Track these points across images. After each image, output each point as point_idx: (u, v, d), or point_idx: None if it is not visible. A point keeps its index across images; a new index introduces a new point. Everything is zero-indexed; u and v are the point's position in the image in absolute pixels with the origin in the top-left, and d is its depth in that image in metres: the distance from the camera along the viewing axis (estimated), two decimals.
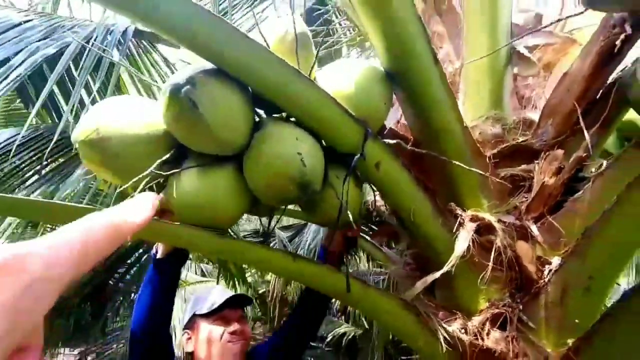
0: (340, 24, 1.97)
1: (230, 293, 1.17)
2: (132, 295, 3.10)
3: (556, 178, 0.94)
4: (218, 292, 1.17)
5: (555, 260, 0.88)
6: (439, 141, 0.90)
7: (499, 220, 0.93)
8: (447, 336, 0.88)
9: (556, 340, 0.84)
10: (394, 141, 0.89)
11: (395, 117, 1.10)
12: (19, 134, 2.31)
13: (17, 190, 2.19)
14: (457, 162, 0.89)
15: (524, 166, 1.00)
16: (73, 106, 2.04)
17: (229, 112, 0.70)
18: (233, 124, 0.71)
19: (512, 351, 0.84)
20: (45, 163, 2.18)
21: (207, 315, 1.11)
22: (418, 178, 0.90)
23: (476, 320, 0.92)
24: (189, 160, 0.77)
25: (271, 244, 4.25)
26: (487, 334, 0.90)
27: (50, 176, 2.09)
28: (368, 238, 1.58)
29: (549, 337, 0.85)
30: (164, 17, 0.66)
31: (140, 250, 2.48)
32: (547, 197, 0.95)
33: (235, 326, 1.11)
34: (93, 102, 2.13)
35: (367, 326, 4.30)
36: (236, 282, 2.98)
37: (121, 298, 2.93)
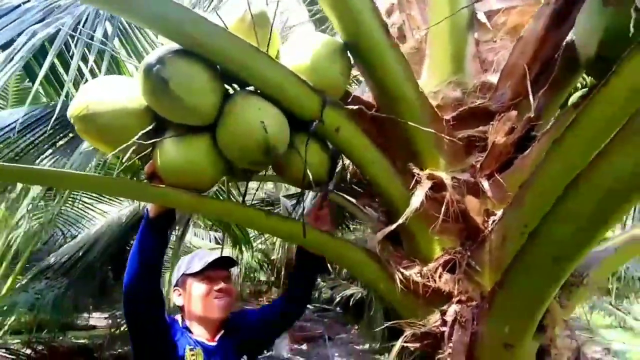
0: None
1: (216, 255, 1.31)
2: None
3: (507, 138, 1.02)
4: (205, 254, 1.31)
5: (499, 212, 0.98)
6: (396, 108, 0.98)
7: (454, 178, 1.03)
8: (403, 279, 1.02)
9: (496, 279, 0.96)
10: (356, 107, 0.98)
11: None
12: (32, 111, 2.48)
13: (33, 164, 2.38)
14: (414, 125, 0.98)
15: (480, 128, 1.08)
16: (74, 83, 2.16)
17: (197, 86, 0.80)
18: (201, 96, 0.81)
19: (457, 290, 0.97)
20: (57, 138, 2.35)
21: (195, 275, 1.25)
22: (377, 142, 1.00)
23: (431, 265, 1.05)
24: (169, 131, 0.89)
25: (276, 210, 4.45)
26: (440, 277, 1.03)
27: (62, 149, 2.27)
28: (354, 201, 1.71)
29: (492, 278, 0.97)
30: (137, 6, 0.74)
31: None
32: (498, 156, 1.04)
33: (220, 284, 1.25)
34: (92, 75, 2.25)
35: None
36: (242, 247, 3.20)
37: None
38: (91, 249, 3.17)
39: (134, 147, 0.85)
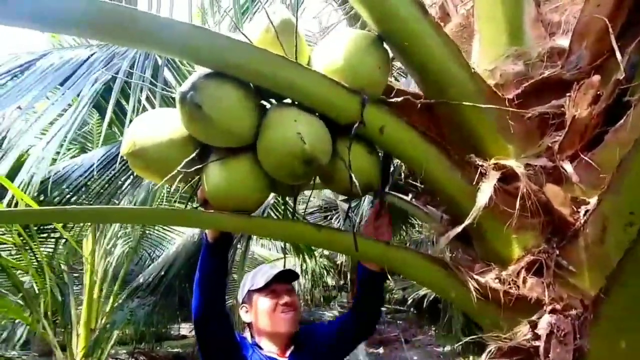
0: None
1: (278, 269, 1.30)
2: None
3: (591, 109, 0.84)
4: (268, 269, 1.31)
5: (593, 199, 0.81)
6: (447, 94, 0.87)
7: (527, 165, 0.88)
8: (478, 287, 0.89)
9: (599, 283, 0.79)
10: (400, 99, 0.89)
11: None
12: (112, 149, 2.80)
13: (114, 196, 2.68)
14: (470, 109, 0.86)
15: (554, 102, 0.91)
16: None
17: (231, 107, 0.79)
18: (236, 117, 0.80)
19: (549, 297, 0.82)
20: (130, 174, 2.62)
21: (260, 290, 1.26)
22: (430, 135, 0.90)
23: (511, 269, 0.90)
24: (212, 155, 0.89)
25: (335, 216, 4.42)
26: (523, 282, 0.88)
27: (134, 182, 2.52)
28: (413, 201, 1.59)
29: (592, 279, 0.81)
30: (166, 39, 0.76)
31: None
32: (582, 132, 0.86)
33: (285, 298, 1.24)
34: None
35: None
36: (305, 256, 3.22)
37: None
38: (171, 267, 3.44)
39: (181, 176, 0.87)
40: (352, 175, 0.83)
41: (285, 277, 1.30)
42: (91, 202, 2.88)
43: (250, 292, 1.30)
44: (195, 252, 3.29)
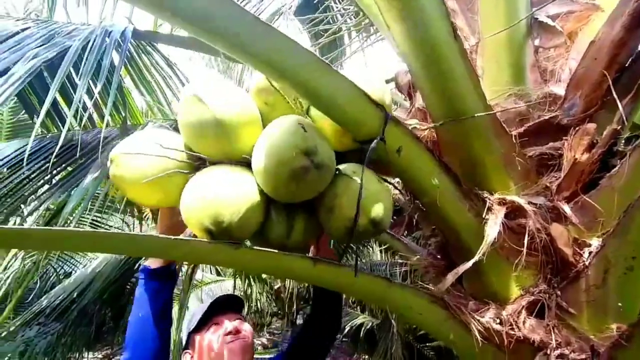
0: (343, 10, 1.91)
1: (218, 297, 1.13)
2: None
3: (589, 154, 0.88)
4: (205, 305, 1.12)
5: (595, 242, 0.82)
6: (463, 123, 0.84)
7: (530, 203, 0.88)
8: (480, 328, 0.84)
9: (599, 326, 0.79)
10: (415, 121, 0.84)
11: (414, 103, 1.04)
12: (26, 145, 2.31)
13: (28, 200, 2.19)
14: (480, 136, 0.84)
15: (551, 144, 0.94)
16: (77, 113, 2.03)
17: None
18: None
19: (555, 340, 0.79)
20: (54, 172, 2.17)
21: (200, 329, 1.08)
22: (442, 161, 0.85)
23: (510, 308, 0.87)
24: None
25: None
26: (524, 323, 0.85)
27: (60, 184, 2.09)
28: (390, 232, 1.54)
29: (591, 322, 0.80)
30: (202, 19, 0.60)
31: None
32: (579, 175, 0.89)
33: (226, 325, 1.06)
34: (95, 106, 2.12)
35: (383, 316, 4.29)
36: (251, 279, 2.96)
37: None
38: (87, 288, 2.90)
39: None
40: (359, 202, 0.74)
41: (227, 306, 1.12)
42: None
43: (191, 335, 1.10)
44: (121, 274, 2.82)
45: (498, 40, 0.97)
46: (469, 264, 0.84)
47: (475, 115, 0.82)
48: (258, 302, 6.83)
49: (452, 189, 0.87)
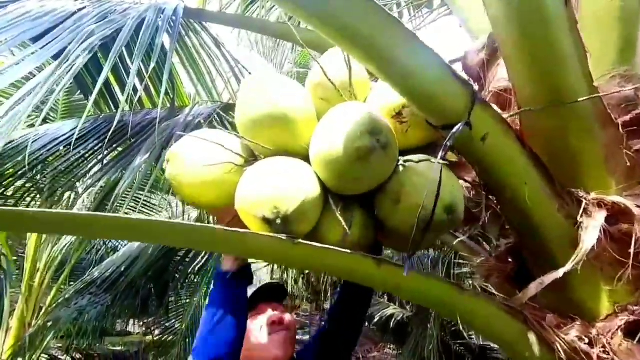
0: None
1: (261, 285, 1.08)
2: (191, 277, 3.24)
3: None
4: (250, 291, 1.06)
5: None
6: (563, 108, 0.71)
7: (638, 205, 0.74)
8: (566, 348, 0.72)
9: None
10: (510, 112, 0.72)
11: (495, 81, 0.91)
12: (78, 126, 2.41)
13: (82, 179, 2.29)
14: (580, 125, 0.71)
15: None
16: (128, 95, 2.06)
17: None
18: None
19: None
20: (105, 152, 2.25)
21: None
22: (533, 152, 0.73)
23: (601, 327, 0.75)
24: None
25: None
26: (619, 346, 0.73)
27: (112, 165, 2.16)
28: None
29: None
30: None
31: None
32: None
33: (270, 314, 1.01)
34: (146, 89, 2.15)
35: (415, 310, 4.18)
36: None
37: (181, 281, 3.08)
38: (134, 263, 3.04)
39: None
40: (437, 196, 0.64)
41: (272, 295, 1.07)
42: (45, 184, 2.47)
43: None
44: (166, 252, 2.92)
45: (603, 11, 0.81)
46: (558, 274, 0.72)
47: (579, 100, 0.69)
48: (293, 287, 6.93)
49: (542, 185, 0.74)
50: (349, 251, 0.70)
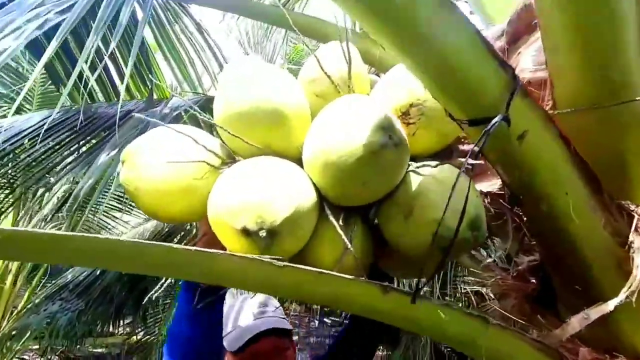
0: None
1: (260, 326, 0.93)
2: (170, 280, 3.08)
3: None
4: (250, 326, 0.93)
5: None
6: (613, 100, 0.57)
7: None
8: None
9: None
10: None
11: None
12: (49, 116, 2.22)
13: (52, 171, 2.11)
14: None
15: None
16: (103, 83, 1.87)
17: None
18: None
19: None
20: (77, 145, 2.07)
21: (235, 354, 0.90)
22: (578, 155, 0.59)
23: None
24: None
25: None
26: None
27: (84, 157, 1.98)
28: None
29: None
30: None
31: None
32: None
33: None
34: (121, 77, 1.97)
35: None
36: None
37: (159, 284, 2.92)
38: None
39: None
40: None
41: (271, 332, 0.93)
42: (17, 176, 2.28)
43: (225, 352, 0.91)
44: None
45: None
46: (608, 307, 0.58)
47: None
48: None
49: (585, 193, 0.61)
50: (350, 276, 0.55)
